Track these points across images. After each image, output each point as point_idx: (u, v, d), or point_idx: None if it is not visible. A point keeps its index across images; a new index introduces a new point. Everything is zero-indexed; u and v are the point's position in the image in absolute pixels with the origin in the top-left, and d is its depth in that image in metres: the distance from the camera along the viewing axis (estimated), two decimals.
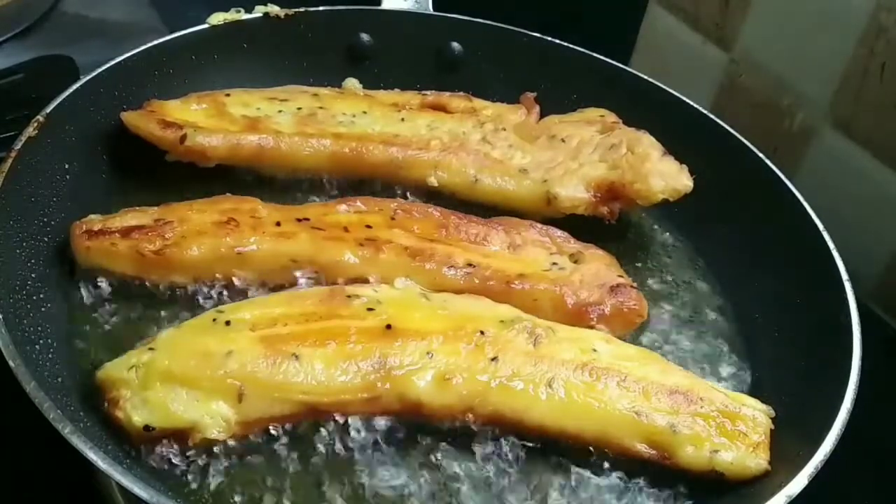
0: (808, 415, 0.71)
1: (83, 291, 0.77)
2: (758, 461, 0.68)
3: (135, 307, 0.77)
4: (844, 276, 0.80)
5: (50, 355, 0.70)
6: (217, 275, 0.77)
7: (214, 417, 0.65)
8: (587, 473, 0.71)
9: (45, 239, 0.78)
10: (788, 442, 0.70)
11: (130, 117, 0.87)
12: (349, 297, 0.72)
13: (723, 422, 0.70)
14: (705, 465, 0.69)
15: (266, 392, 0.66)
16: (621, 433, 0.69)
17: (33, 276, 0.75)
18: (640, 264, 0.91)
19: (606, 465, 0.70)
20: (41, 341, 0.70)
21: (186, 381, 0.66)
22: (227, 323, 0.69)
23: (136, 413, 0.64)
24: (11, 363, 0.63)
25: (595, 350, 0.73)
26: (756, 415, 0.71)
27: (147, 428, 0.64)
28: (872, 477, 0.84)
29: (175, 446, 0.66)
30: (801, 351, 0.79)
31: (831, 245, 0.83)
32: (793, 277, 0.85)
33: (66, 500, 0.72)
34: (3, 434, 0.75)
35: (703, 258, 0.93)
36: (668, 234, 0.96)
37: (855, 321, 0.75)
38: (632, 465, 0.70)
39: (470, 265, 0.79)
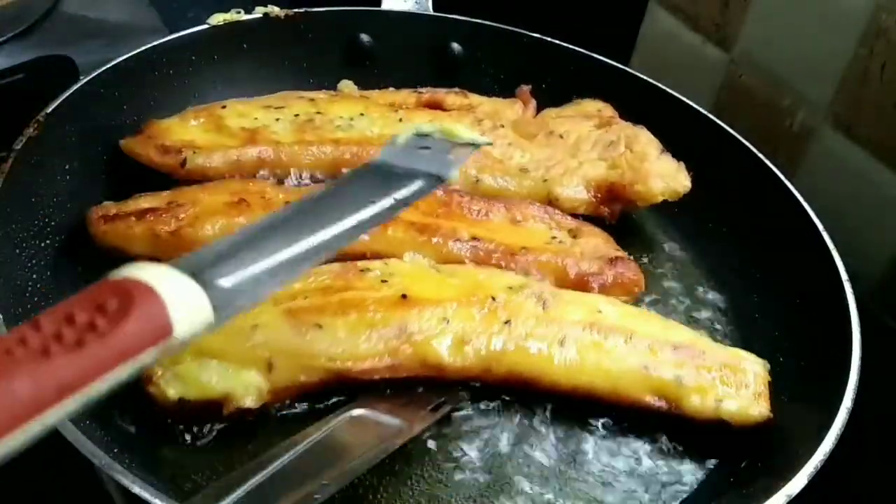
0: (807, 414, 0.71)
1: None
2: (760, 409, 0.72)
3: None
4: (844, 276, 0.80)
5: None
6: None
7: (247, 387, 0.67)
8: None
9: (46, 239, 0.78)
10: (788, 441, 0.70)
11: (129, 144, 0.87)
12: (362, 270, 0.75)
13: (725, 374, 0.74)
14: (711, 414, 0.72)
15: (294, 361, 0.69)
16: (631, 387, 0.72)
17: (34, 276, 0.75)
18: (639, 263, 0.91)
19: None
20: None
21: (216, 354, 0.68)
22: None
23: (169, 387, 0.66)
24: None
25: (600, 311, 0.76)
26: (755, 368, 0.75)
27: (182, 401, 0.66)
28: (873, 477, 0.84)
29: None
30: (801, 351, 0.79)
31: (831, 245, 0.83)
32: (792, 278, 0.85)
33: (66, 500, 0.72)
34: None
35: (702, 258, 0.93)
36: (666, 233, 0.96)
37: (855, 321, 0.76)
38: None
39: (475, 239, 0.82)
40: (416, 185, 0.65)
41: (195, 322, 0.44)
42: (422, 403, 0.71)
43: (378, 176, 0.66)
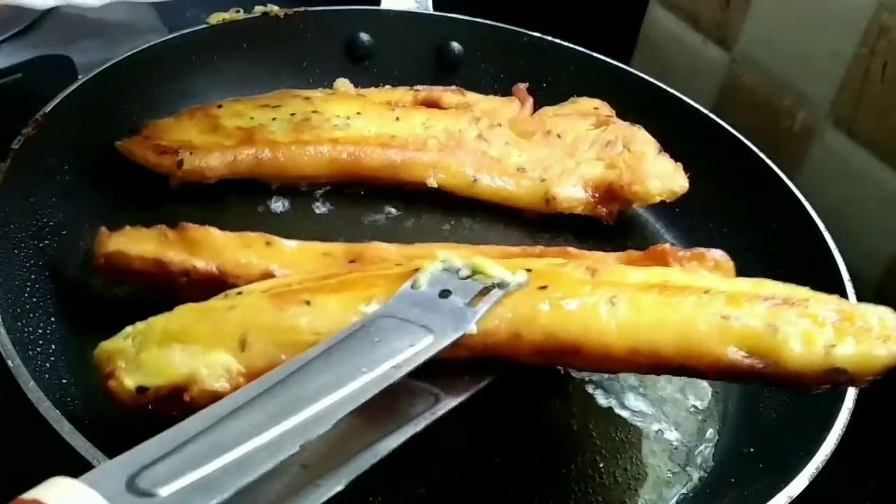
0: (808, 415, 0.71)
1: (87, 291, 0.77)
2: (890, 348, 0.55)
3: (141, 308, 0.76)
4: (846, 276, 0.79)
5: (50, 356, 0.70)
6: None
7: (213, 367, 0.60)
8: None
9: (45, 239, 0.78)
10: (790, 442, 0.69)
11: (126, 145, 0.87)
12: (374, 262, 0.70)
13: (837, 320, 0.57)
14: (819, 364, 0.55)
15: (271, 336, 0.60)
16: (708, 341, 0.57)
17: (32, 276, 0.75)
18: None
19: None
20: (41, 341, 0.70)
21: (183, 336, 0.61)
22: (239, 293, 0.65)
23: (128, 377, 0.60)
24: (10, 363, 0.62)
25: (668, 278, 0.63)
26: (881, 312, 0.58)
27: (140, 390, 0.59)
28: (873, 477, 0.84)
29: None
30: None
31: (832, 245, 0.82)
32: (793, 277, 0.85)
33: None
34: (3, 434, 0.75)
35: None
36: (667, 233, 0.96)
37: None
38: None
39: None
40: (422, 344, 0.56)
41: None
42: (455, 373, 0.61)
43: (377, 333, 0.56)
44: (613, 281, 0.61)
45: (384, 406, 0.55)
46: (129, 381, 0.60)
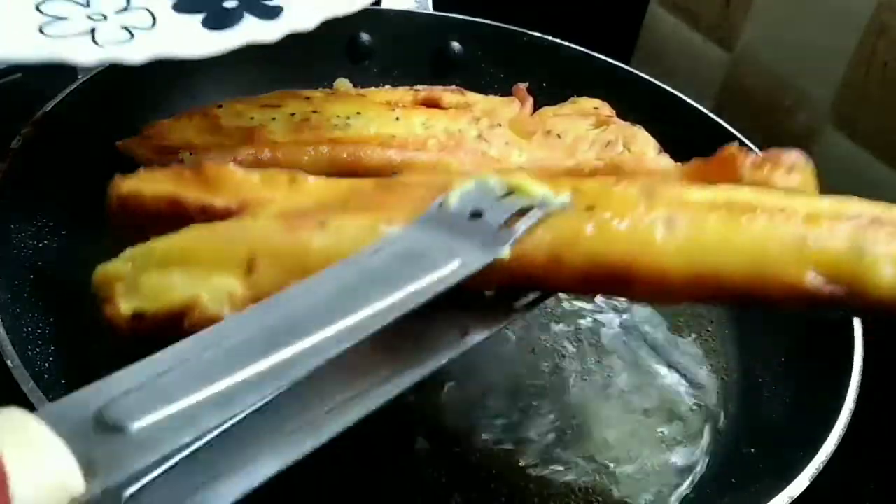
0: (809, 415, 0.71)
1: (87, 291, 0.77)
2: None
3: None
4: None
5: (50, 356, 0.70)
6: None
7: (216, 291, 0.54)
8: None
9: (44, 240, 0.78)
10: (790, 442, 0.69)
11: (126, 145, 0.87)
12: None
13: None
14: None
15: (280, 259, 0.55)
16: (781, 265, 0.49)
17: (32, 276, 0.75)
18: None
19: None
20: (41, 341, 0.70)
21: (186, 258, 0.55)
22: (253, 215, 0.60)
23: (125, 302, 0.55)
24: (10, 363, 0.62)
25: (736, 197, 0.54)
26: None
27: (136, 316, 0.54)
28: (874, 477, 0.83)
29: None
30: (803, 351, 0.79)
31: None
32: None
33: None
34: None
35: None
36: None
37: (857, 321, 0.75)
38: None
39: None
40: (446, 269, 0.49)
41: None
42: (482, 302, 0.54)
43: (396, 257, 0.50)
44: (672, 199, 0.53)
45: (404, 339, 0.50)
46: (126, 306, 0.55)
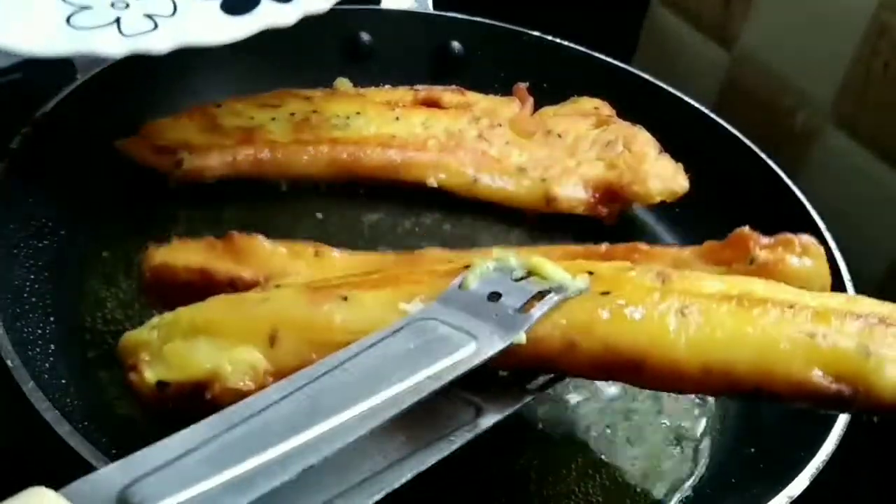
0: (809, 415, 0.71)
1: (86, 291, 0.77)
2: None
3: (144, 308, 0.76)
4: (847, 276, 0.79)
5: (49, 356, 0.69)
6: None
7: (239, 363, 0.56)
8: None
9: (44, 239, 0.78)
10: (790, 443, 0.69)
11: (125, 145, 0.87)
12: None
13: None
14: None
15: (303, 333, 0.56)
16: (790, 361, 0.50)
17: (31, 276, 0.75)
18: None
19: None
20: (40, 341, 0.70)
21: (211, 329, 0.57)
22: (277, 286, 0.62)
23: (150, 371, 0.56)
24: (10, 363, 0.62)
25: (748, 289, 0.55)
26: None
27: (161, 385, 0.56)
28: (874, 477, 0.83)
29: None
30: None
31: (833, 245, 0.82)
32: None
33: None
34: (2, 435, 0.75)
35: None
36: (668, 233, 0.96)
37: None
38: None
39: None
40: (464, 352, 0.50)
41: None
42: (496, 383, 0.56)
43: (416, 338, 0.51)
44: (685, 289, 0.55)
45: (417, 417, 0.50)
46: (151, 375, 0.57)
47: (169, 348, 0.57)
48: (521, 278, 0.57)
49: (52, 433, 0.59)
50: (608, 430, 0.73)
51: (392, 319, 0.54)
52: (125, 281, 0.79)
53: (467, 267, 0.58)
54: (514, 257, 0.58)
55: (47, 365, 0.68)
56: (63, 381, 0.68)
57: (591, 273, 0.57)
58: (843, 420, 0.67)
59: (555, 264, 0.57)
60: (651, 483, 0.71)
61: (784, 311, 0.52)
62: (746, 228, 0.66)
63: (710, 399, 0.77)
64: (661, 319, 0.52)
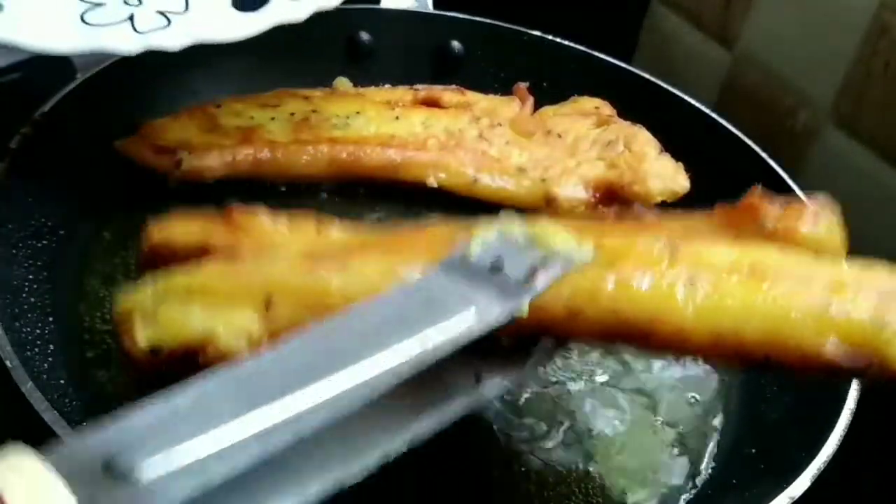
0: (810, 415, 0.71)
1: (85, 291, 0.77)
2: None
3: None
4: None
5: (49, 356, 0.69)
6: None
7: (232, 326, 0.55)
8: None
9: (43, 239, 0.78)
10: (791, 443, 0.69)
11: (124, 145, 0.87)
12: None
13: None
14: None
15: (299, 297, 0.55)
16: (802, 331, 0.49)
17: (31, 276, 0.74)
18: None
19: None
20: (39, 342, 0.70)
21: (206, 292, 0.55)
22: (274, 252, 0.60)
23: (142, 335, 0.55)
24: (8, 363, 0.62)
25: (760, 259, 0.53)
26: None
27: (154, 351, 0.54)
28: (874, 477, 0.83)
29: None
30: None
31: None
32: None
33: None
34: (1, 436, 0.75)
35: None
36: None
37: None
38: None
39: None
40: (463, 323, 0.48)
41: None
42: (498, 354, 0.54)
43: (413, 307, 0.48)
44: (694, 260, 0.52)
45: (419, 382, 0.47)
46: (143, 340, 0.55)
47: (163, 310, 0.55)
48: (525, 247, 0.54)
49: (52, 433, 0.58)
50: (608, 431, 0.73)
51: (390, 286, 0.53)
52: (125, 281, 0.78)
53: (470, 235, 0.56)
54: (518, 225, 0.56)
55: (46, 365, 0.68)
56: (62, 382, 0.68)
57: (597, 242, 0.55)
58: (844, 420, 0.67)
59: (560, 231, 0.55)
60: (651, 483, 0.71)
61: (797, 281, 0.50)
62: (758, 191, 0.63)
63: (711, 399, 0.77)
64: (670, 289, 0.51)
